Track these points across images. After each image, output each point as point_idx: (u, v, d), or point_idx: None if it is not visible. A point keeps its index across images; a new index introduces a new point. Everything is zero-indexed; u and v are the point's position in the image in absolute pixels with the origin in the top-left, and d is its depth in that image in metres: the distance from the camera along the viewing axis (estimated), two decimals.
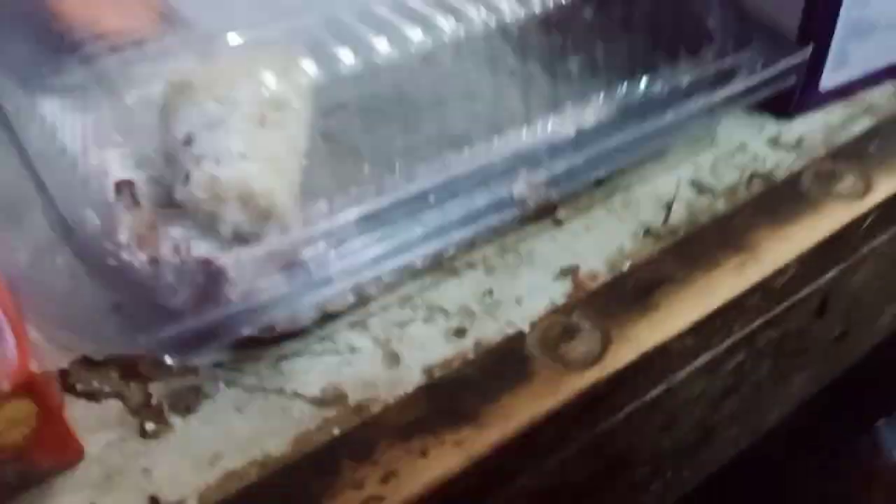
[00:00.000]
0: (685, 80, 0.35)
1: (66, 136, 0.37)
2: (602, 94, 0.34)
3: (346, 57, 0.31)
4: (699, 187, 0.37)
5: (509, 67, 0.34)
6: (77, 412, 0.29)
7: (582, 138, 0.32)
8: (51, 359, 0.30)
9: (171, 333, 0.26)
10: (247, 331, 0.28)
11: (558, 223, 0.35)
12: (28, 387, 0.25)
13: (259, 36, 0.37)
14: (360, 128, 0.35)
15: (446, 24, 0.31)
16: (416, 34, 0.30)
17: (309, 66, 0.32)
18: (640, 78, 0.34)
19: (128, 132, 0.35)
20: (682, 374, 0.31)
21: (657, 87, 0.34)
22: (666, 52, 0.35)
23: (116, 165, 0.34)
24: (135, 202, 0.33)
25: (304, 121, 0.33)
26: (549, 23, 0.33)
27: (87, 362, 0.31)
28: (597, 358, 0.29)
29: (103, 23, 0.41)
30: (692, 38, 0.36)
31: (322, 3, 0.33)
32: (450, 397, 0.28)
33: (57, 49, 0.41)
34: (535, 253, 0.34)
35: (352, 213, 0.29)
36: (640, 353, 0.30)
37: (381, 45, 0.30)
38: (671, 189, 0.37)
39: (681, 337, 0.30)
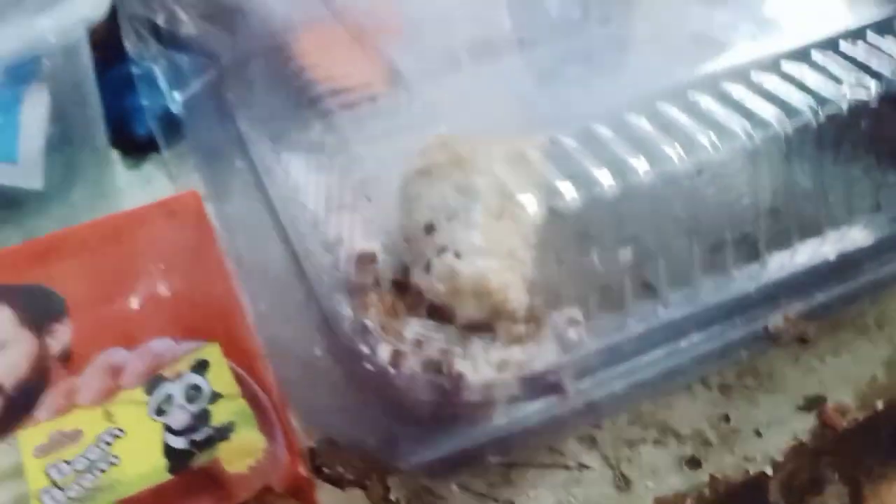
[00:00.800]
0: None
1: (308, 197, 0.39)
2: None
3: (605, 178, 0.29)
4: None
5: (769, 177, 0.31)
6: (323, 497, 0.31)
7: (854, 262, 0.30)
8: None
9: (420, 460, 0.27)
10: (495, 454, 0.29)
11: (802, 342, 0.33)
12: (297, 489, 0.27)
13: (494, 122, 0.37)
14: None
15: (707, 140, 0.29)
16: (673, 152, 0.29)
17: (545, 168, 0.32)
18: None
19: (366, 196, 0.36)
20: None
21: None
22: None
23: (358, 233, 0.36)
24: (377, 281, 0.34)
25: (536, 214, 0.32)
26: (820, 132, 0.30)
27: (333, 444, 0.32)
28: None
29: (339, 79, 0.43)
30: None
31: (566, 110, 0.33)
32: None
33: (299, 104, 0.43)
34: (776, 376, 0.32)
35: (600, 341, 0.29)
36: None
37: (640, 165, 0.29)
38: None
39: None
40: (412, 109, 0.38)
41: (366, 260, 0.34)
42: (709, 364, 0.28)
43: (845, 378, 0.32)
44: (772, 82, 0.29)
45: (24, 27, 0.36)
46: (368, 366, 0.29)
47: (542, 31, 0.41)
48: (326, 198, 0.38)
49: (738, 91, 0.29)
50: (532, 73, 0.40)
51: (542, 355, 0.31)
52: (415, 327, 0.32)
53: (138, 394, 0.30)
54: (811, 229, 0.29)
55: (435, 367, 0.30)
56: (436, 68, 0.39)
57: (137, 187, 0.45)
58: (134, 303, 0.34)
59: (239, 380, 0.30)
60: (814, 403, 0.31)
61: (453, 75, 0.40)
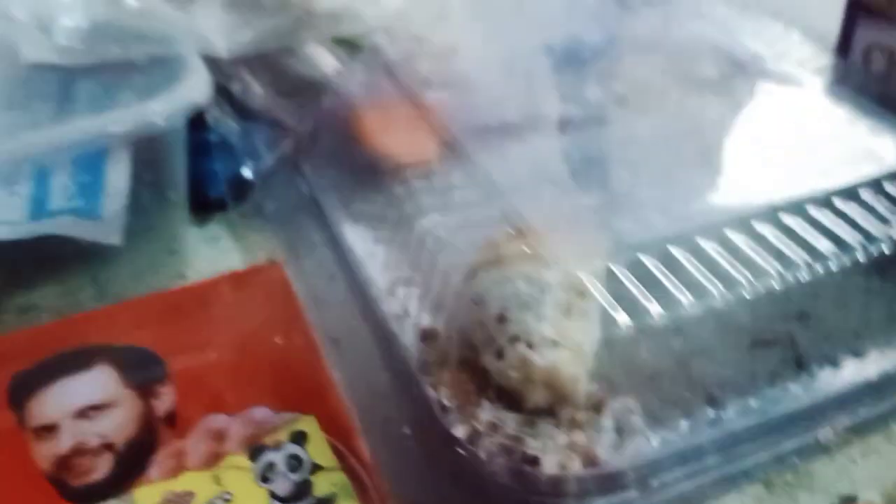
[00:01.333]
0: None
1: (374, 269, 0.41)
2: None
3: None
4: None
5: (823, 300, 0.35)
6: None
7: (893, 380, 0.33)
8: None
9: None
10: None
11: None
12: None
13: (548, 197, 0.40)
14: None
15: (772, 269, 0.33)
16: (743, 278, 0.32)
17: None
18: None
19: (423, 270, 0.39)
20: None
21: None
22: None
23: (419, 307, 0.39)
24: (444, 358, 0.36)
25: (599, 311, 0.34)
26: (868, 264, 0.34)
27: None
28: None
29: (400, 153, 0.46)
30: None
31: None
32: None
33: (362, 176, 0.46)
34: (813, 474, 0.36)
35: (668, 446, 0.32)
36: None
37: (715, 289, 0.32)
38: None
39: None
40: (470, 184, 0.41)
41: (428, 337, 0.37)
42: (765, 469, 0.32)
43: (874, 480, 0.35)
44: (826, 218, 0.33)
45: (136, 111, 0.39)
46: (457, 448, 0.32)
47: (584, 115, 0.45)
48: (390, 270, 0.41)
49: (796, 223, 0.33)
50: (576, 155, 0.44)
51: (601, 440, 0.34)
52: (488, 410, 0.34)
53: (242, 460, 0.32)
54: (856, 349, 0.33)
55: (510, 451, 0.32)
56: (493, 144, 0.43)
57: (203, 245, 0.47)
58: (227, 369, 0.36)
59: (337, 453, 0.32)
60: (847, 502, 0.35)
61: (510, 151, 0.43)
